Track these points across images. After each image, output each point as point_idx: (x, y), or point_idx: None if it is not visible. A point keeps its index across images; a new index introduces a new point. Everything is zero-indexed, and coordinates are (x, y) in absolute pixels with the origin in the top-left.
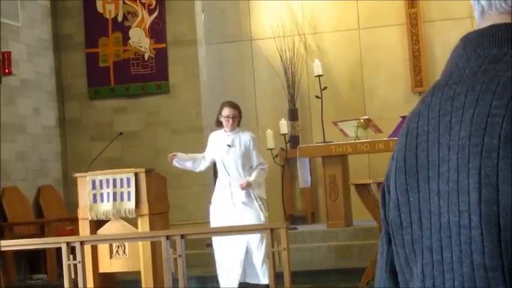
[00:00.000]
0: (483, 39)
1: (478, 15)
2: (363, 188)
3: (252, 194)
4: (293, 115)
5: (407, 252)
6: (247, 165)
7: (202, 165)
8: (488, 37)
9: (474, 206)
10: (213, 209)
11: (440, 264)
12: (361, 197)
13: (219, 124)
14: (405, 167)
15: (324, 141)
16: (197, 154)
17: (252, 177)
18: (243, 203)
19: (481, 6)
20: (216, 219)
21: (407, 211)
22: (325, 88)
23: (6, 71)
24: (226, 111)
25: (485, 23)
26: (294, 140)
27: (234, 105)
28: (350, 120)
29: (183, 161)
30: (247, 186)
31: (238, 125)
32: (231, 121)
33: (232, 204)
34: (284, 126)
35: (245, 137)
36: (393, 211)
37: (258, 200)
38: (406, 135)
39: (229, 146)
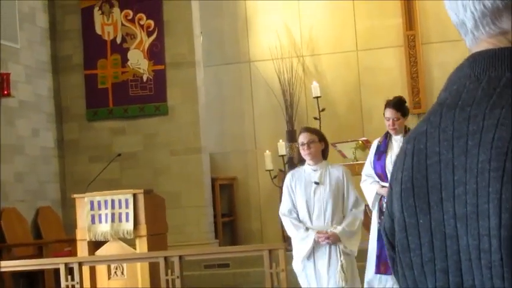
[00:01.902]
0: (495, 61)
1: (470, 39)
2: None
3: (337, 250)
4: (291, 136)
5: (416, 274)
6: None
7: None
8: (500, 59)
9: (494, 231)
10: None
11: (459, 287)
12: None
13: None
14: (413, 189)
15: None
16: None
17: (339, 228)
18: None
19: (470, 31)
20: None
21: (415, 233)
22: (323, 110)
23: (5, 92)
24: (301, 137)
25: (481, 46)
26: (292, 162)
27: (310, 130)
28: (348, 141)
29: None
30: (327, 241)
31: (325, 157)
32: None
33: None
34: (282, 147)
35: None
36: (399, 234)
37: (342, 258)
38: (412, 156)
39: (317, 183)
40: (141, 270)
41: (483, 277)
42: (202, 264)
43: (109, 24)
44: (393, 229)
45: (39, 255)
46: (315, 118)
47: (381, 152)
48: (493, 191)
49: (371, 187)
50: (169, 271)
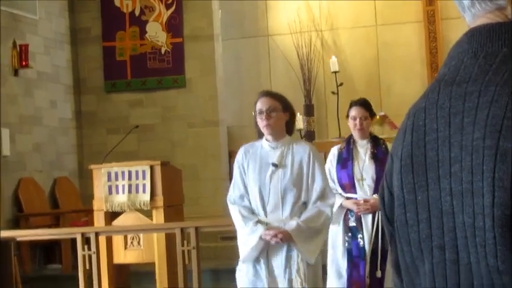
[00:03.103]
0: (491, 36)
1: (469, 16)
2: None
3: (293, 253)
4: (309, 110)
5: (413, 251)
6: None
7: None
8: (497, 34)
9: (488, 209)
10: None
11: (455, 264)
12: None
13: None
14: (412, 165)
15: (340, 137)
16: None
17: (294, 224)
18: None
19: (467, 8)
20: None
21: (414, 209)
22: (341, 84)
23: (24, 63)
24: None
25: (479, 22)
26: (309, 135)
27: (271, 94)
28: None
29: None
30: (275, 240)
31: (289, 132)
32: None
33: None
34: (300, 121)
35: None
36: (398, 209)
37: (301, 265)
38: (412, 132)
39: (274, 165)
40: (157, 240)
41: (478, 255)
42: (218, 236)
43: None
44: (391, 204)
45: (56, 225)
46: (333, 93)
47: (345, 160)
48: (487, 169)
49: None
50: (185, 242)
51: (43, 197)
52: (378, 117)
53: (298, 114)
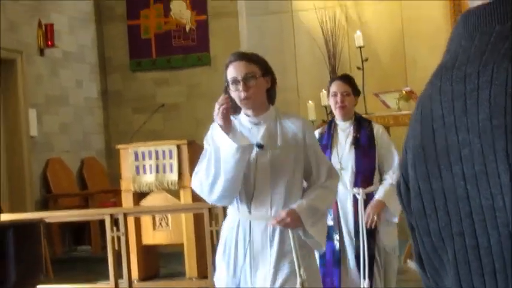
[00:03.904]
0: (484, 15)
1: None
2: None
3: (291, 239)
4: None
5: (434, 240)
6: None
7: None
8: (489, 13)
9: (506, 188)
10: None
11: (475, 249)
12: None
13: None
14: (424, 154)
15: (366, 113)
16: None
17: (303, 203)
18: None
19: None
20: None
21: (430, 198)
22: (366, 59)
23: (49, 43)
24: (230, 71)
25: (475, 3)
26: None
27: (247, 57)
28: (392, 91)
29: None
30: (283, 223)
31: (271, 103)
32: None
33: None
34: (325, 97)
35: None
36: (415, 200)
37: (298, 251)
38: (421, 121)
39: (259, 145)
40: (185, 221)
41: (500, 236)
42: None
43: None
44: (408, 196)
45: (85, 205)
46: (358, 68)
47: (324, 146)
48: (498, 148)
49: None
50: (213, 222)
51: (71, 178)
52: (403, 92)
53: (323, 90)
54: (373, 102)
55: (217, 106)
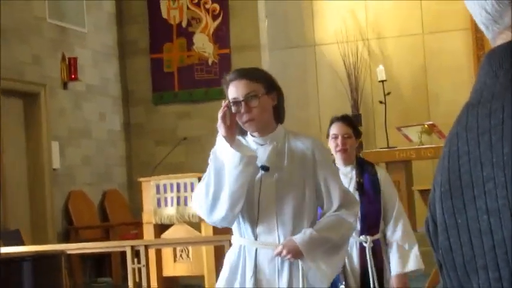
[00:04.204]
0: (508, 53)
1: (490, 38)
2: (427, 194)
3: (300, 271)
4: (356, 120)
5: (459, 275)
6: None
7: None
8: (510, 51)
9: None
10: None
11: (498, 282)
12: (426, 203)
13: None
14: (450, 189)
15: (388, 147)
16: None
17: (305, 233)
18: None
19: (485, 32)
20: None
21: (455, 233)
22: (388, 93)
23: (73, 76)
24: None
25: (497, 42)
26: (357, 145)
27: (246, 75)
28: (414, 125)
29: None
30: (291, 254)
31: (280, 121)
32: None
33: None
34: None
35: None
36: (442, 235)
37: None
38: (448, 158)
39: (265, 168)
40: (206, 253)
41: None
42: None
43: (175, 8)
44: (435, 232)
45: (106, 237)
46: (381, 102)
47: None
48: None
49: None
50: None
51: (93, 210)
52: (426, 126)
53: None
54: (395, 136)
55: (219, 115)
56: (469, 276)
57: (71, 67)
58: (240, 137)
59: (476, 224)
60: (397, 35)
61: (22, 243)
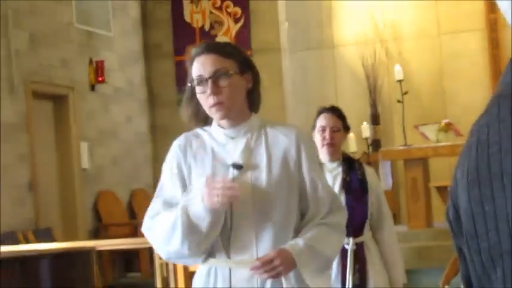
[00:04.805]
0: None
1: None
2: (443, 190)
3: None
4: (375, 119)
5: (483, 260)
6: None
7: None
8: None
9: None
10: None
11: None
12: (443, 199)
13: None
14: (478, 178)
15: (406, 145)
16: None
17: (298, 243)
18: None
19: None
20: None
21: (482, 220)
22: (406, 93)
23: (100, 79)
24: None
25: None
26: (375, 144)
27: (217, 49)
28: (431, 124)
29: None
30: (283, 266)
31: (254, 110)
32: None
33: None
34: (366, 129)
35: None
36: (467, 223)
37: None
38: (476, 147)
39: (237, 166)
40: None
41: None
42: None
43: (198, 12)
44: (457, 219)
45: (134, 234)
46: (398, 101)
47: None
48: None
49: None
50: None
51: (121, 208)
52: (443, 124)
53: (364, 123)
54: (412, 135)
55: (218, 184)
56: (493, 261)
57: (98, 70)
58: (201, 130)
59: (503, 213)
60: (414, 36)
61: (54, 241)
